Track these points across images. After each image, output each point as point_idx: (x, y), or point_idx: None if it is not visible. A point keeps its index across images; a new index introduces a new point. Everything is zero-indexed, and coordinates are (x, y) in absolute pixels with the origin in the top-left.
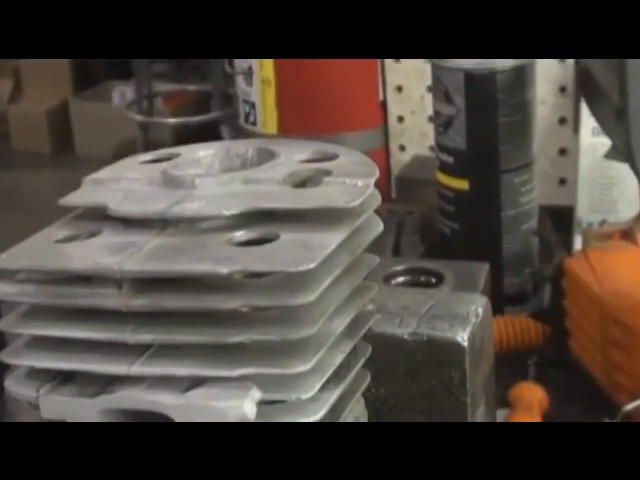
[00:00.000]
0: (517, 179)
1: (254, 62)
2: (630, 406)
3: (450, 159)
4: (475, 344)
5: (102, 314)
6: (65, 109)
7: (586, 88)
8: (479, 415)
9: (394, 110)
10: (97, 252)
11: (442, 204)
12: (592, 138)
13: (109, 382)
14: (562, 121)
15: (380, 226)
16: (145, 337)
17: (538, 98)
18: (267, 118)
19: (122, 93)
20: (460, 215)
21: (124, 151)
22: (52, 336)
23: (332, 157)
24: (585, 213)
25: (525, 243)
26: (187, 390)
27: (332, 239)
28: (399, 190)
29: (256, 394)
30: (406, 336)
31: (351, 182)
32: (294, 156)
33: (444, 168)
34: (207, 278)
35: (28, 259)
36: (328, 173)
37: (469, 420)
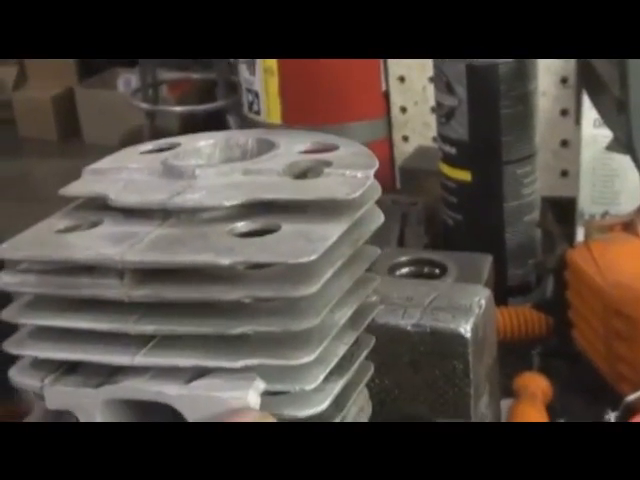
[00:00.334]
0: (519, 170)
1: None
2: (632, 397)
3: (452, 150)
4: (478, 335)
5: (105, 305)
6: (70, 96)
7: (587, 80)
8: (482, 406)
9: (397, 101)
10: (99, 242)
11: (445, 195)
12: (594, 130)
13: (113, 373)
14: (564, 113)
15: (381, 217)
16: (148, 328)
17: (539, 89)
18: (270, 107)
19: (127, 80)
20: (463, 206)
21: (132, 139)
22: (55, 326)
23: (332, 148)
24: (587, 205)
25: (528, 235)
26: (191, 381)
27: (333, 231)
28: (403, 181)
29: (260, 385)
30: (409, 327)
31: (351, 173)
32: (294, 147)
33: (447, 159)
34: (209, 269)
35: (30, 249)
36: (328, 164)
37: (472, 411)
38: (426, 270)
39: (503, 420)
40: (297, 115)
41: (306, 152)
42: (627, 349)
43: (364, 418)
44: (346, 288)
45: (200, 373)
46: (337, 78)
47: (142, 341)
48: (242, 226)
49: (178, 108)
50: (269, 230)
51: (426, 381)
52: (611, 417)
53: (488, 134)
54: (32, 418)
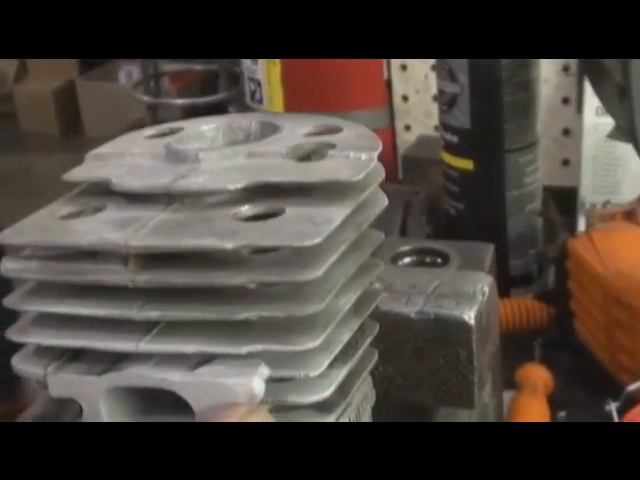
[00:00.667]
0: (521, 159)
1: None
2: (633, 386)
3: (454, 138)
4: (482, 322)
5: (108, 291)
6: (72, 89)
7: (589, 67)
8: (485, 396)
9: (398, 89)
10: (102, 227)
11: (447, 184)
12: (596, 118)
13: (117, 360)
14: (565, 101)
15: (385, 201)
16: (152, 314)
17: (541, 77)
18: (273, 96)
19: (128, 72)
20: (465, 195)
21: None
22: (58, 313)
23: (336, 130)
24: (588, 194)
25: (529, 224)
26: (195, 368)
27: (337, 213)
28: (405, 170)
29: (264, 371)
30: (413, 315)
31: (355, 156)
32: (297, 130)
33: (449, 147)
34: (213, 254)
35: (32, 235)
36: (332, 146)
37: (476, 398)
38: (428, 259)
39: (505, 411)
40: (299, 104)
41: (310, 135)
42: (628, 339)
43: (368, 406)
44: (350, 273)
45: (204, 360)
46: (339, 67)
47: (146, 328)
48: (246, 210)
49: (180, 100)
50: (273, 214)
51: (430, 369)
52: (612, 407)
53: (490, 122)
54: (35, 408)
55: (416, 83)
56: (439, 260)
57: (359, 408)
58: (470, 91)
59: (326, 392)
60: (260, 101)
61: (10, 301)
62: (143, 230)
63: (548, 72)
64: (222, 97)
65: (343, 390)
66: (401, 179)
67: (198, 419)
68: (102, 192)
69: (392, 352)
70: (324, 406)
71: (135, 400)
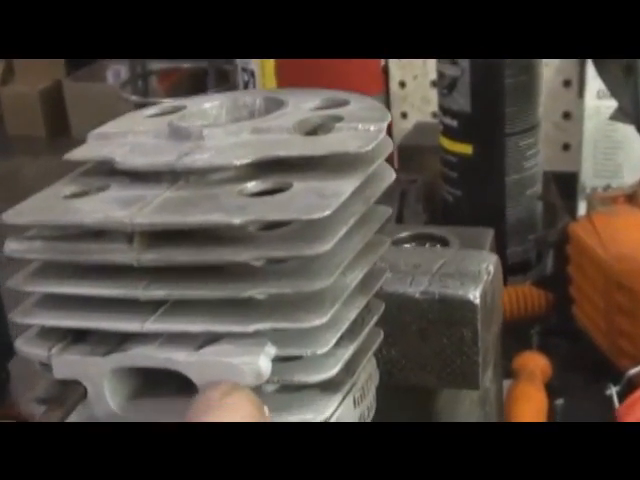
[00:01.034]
0: (522, 142)
1: None
2: (634, 371)
3: (454, 122)
4: (487, 302)
5: (113, 271)
6: (58, 89)
7: None
8: (487, 380)
9: (396, 75)
10: (106, 206)
11: (445, 170)
12: (597, 101)
13: (122, 341)
14: (566, 84)
15: (392, 175)
16: (157, 293)
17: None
18: (267, 86)
19: (116, 72)
20: (463, 181)
21: None
22: (62, 294)
23: (342, 103)
24: (589, 178)
25: (529, 209)
26: (201, 347)
27: (346, 186)
28: (402, 158)
29: (271, 350)
30: (417, 295)
31: (363, 127)
32: (303, 104)
33: (448, 132)
34: (220, 230)
35: (36, 215)
36: (339, 119)
37: (480, 379)
38: (427, 246)
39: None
40: None
41: (316, 109)
42: (628, 323)
43: (372, 386)
44: (358, 249)
45: (211, 340)
46: None
47: (151, 308)
48: (252, 186)
49: (168, 100)
50: (280, 189)
51: (434, 350)
52: (613, 391)
53: (491, 105)
54: (38, 391)
55: (414, 69)
56: (438, 246)
57: (364, 388)
58: (471, 74)
59: (332, 371)
60: None
61: (14, 282)
62: (148, 208)
63: None
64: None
65: (349, 369)
66: (397, 167)
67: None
68: (105, 171)
69: (396, 335)
70: (330, 385)
71: (140, 382)
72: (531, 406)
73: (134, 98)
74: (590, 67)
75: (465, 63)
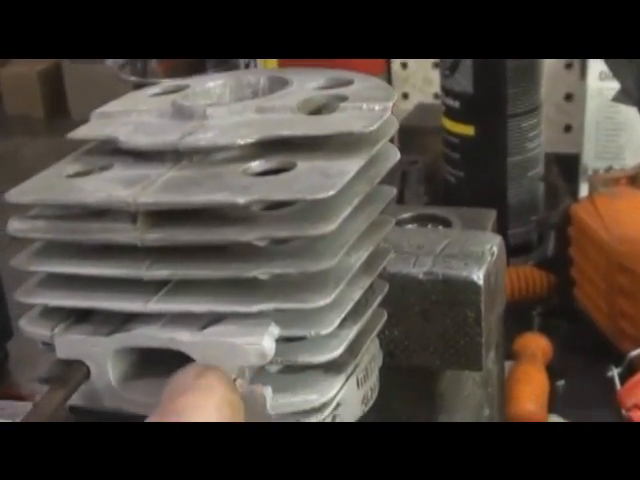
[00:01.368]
0: (524, 124)
1: None
2: (635, 352)
3: (456, 104)
4: (490, 283)
5: (117, 250)
6: (57, 70)
7: None
8: (490, 361)
9: None
10: (110, 185)
11: (447, 151)
12: (599, 82)
13: (125, 321)
14: (568, 66)
15: (397, 155)
16: (161, 273)
17: None
18: (268, 66)
19: None
20: (465, 162)
21: None
22: (65, 273)
23: (347, 83)
24: (591, 159)
25: (531, 190)
26: (205, 327)
27: (351, 166)
28: (402, 139)
29: (275, 330)
30: (421, 276)
31: (368, 107)
32: (307, 84)
33: (450, 113)
34: (224, 210)
35: (39, 194)
36: (344, 99)
37: (483, 360)
38: (430, 227)
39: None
40: None
41: (320, 89)
42: (630, 305)
43: (376, 367)
44: (362, 229)
45: (214, 320)
46: None
47: (155, 288)
48: (256, 166)
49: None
50: (284, 169)
51: (437, 331)
52: (614, 373)
53: (493, 86)
54: (40, 371)
55: None
56: (440, 227)
57: (367, 369)
58: None
59: (336, 351)
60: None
61: (17, 262)
62: (152, 187)
63: None
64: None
65: (353, 350)
66: (398, 148)
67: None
68: (108, 151)
69: (399, 316)
70: (333, 366)
71: (143, 363)
72: (532, 387)
73: (133, 79)
74: None
75: None
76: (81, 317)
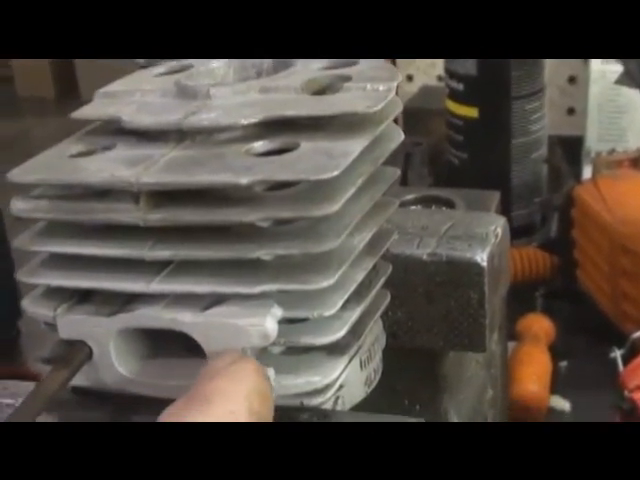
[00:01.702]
0: (528, 106)
1: None
2: (637, 334)
3: (460, 86)
4: (494, 264)
5: (119, 231)
6: None
7: None
8: (493, 343)
9: None
10: (113, 165)
11: (451, 133)
12: (602, 65)
13: (127, 301)
14: None
15: (401, 135)
16: (163, 253)
17: None
18: None
19: None
20: (469, 144)
21: None
22: (68, 253)
23: (351, 63)
24: (594, 142)
25: (534, 172)
26: (207, 308)
27: (354, 146)
28: (407, 121)
29: (277, 311)
30: (425, 257)
31: (372, 87)
32: (311, 64)
33: (454, 96)
34: (226, 190)
35: (42, 173)
36: (347, 79)
37: (487, 343)
38: (433, 208)
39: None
40: None
41: (324, 69)
42: (633, 287)
43: (379, 348)
44: (366, 210)
45: (217, 301)
46: None
47: (157, 268)
48: (260, 146)
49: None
50: (288, 149)
51: (440, 312)
52: (617, 354)
53: (497, 68)
54: (44, 351)
55: None
56: (444, 209)
57: (370, 350)
58: None
59: (339, 333)
60: None
61: (20, 242)
62: (154, 167)
63: None
64: None
65: (356, 331)
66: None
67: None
68: (112, 131)
69: (402, 297)
70: (337, 347)
71: (145, 343)
72: (535, 368)
73: (142, 61)
74: None
75: None
76: (83, 297)
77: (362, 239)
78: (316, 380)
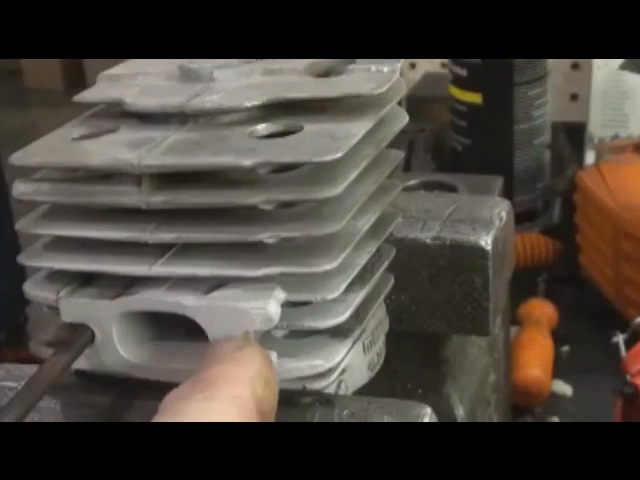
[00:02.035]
0: (531, 92)
1: None
2: None
3: (464, 72)
4: (498, 248)
5: (122, 214)
6: None
7: None
8: (496, 326)
9: None
10: (115, 148)
11: (454, 119)
12: None
13: (130, 284)
14: None
15: (405, 118)
16: (166, 236)
17: None
18: None
19: None
20: (472, 130)
21: None
22: (71, 237)
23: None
24: (597, 128)
25: (537, 158)
26: (210, 292)
27: (358, 128)
28: (410, 108)
29: (280, 295)
30: (428, 240)
31: (376, 68)
32: None
33: (457, 81)
34: (229, 173)
35: (44, 156)
36: (352, 61)
37: (490, 327)
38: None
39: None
40: None
41: None
42: (635, 272)
43: (382, 332)
44: (370, 192)
45: (219, 284)
46: None
47: (160, 251)
48: (263, 128)
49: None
50: (291, 131)
51: (444, 296)
52: (620, 339)
53: None
54: (47, 335)
55: None
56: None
57: (374, 334)
58: None
59: (342, 316)
60: None
61: (22, 225)
62: (157, 149)
63: None
64: None
65: (359, 315)
66: None
67: (212, 345)
68: (115, 114)
69: (406, 281)
70: (339, 331)
71: (147, 327)
72: (537, 353)
73: None
74: None
75: None
76: (86, 281)
77: (366, 222)
78: (319, 364)
